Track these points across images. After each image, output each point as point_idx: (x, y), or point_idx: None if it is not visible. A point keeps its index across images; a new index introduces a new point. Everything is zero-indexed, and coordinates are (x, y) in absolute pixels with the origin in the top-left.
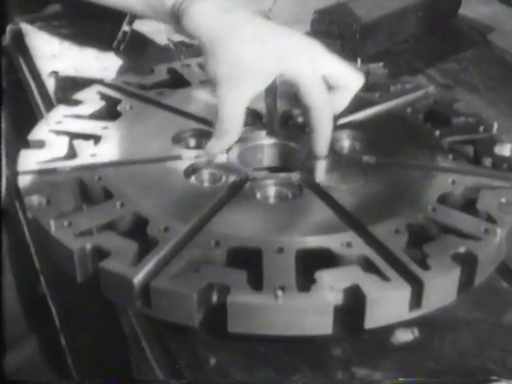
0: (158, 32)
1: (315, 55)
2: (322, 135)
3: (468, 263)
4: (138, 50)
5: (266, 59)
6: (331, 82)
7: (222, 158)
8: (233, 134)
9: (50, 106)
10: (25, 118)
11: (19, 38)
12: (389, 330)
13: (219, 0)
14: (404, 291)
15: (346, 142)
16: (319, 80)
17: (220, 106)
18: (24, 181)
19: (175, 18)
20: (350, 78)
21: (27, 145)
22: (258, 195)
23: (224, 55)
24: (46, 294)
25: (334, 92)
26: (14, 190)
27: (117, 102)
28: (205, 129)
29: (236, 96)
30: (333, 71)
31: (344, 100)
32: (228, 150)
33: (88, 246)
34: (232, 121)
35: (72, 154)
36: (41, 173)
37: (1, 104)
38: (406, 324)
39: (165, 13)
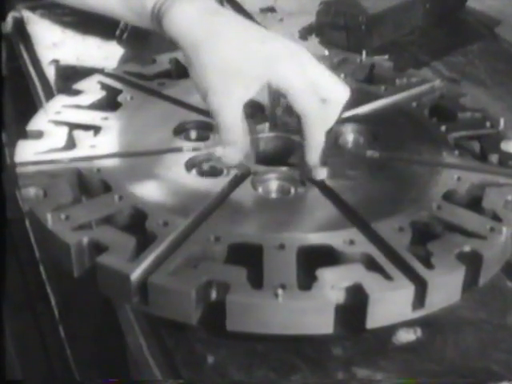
0: None
1: (305, 62)
2: (314, 145)
3: (473, 262)
4: (140, 39)
5: (253, 64)
6: (318, 93)
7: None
8: (242, 139)
9: (50, 95)
10: (25, 107)
11: (21, 25)
12: (391, 329)
13: (202, 1)
14: (407, 291)
15: (349, 136)
16: (310, 87)
17: (217, 117)
18: (21, 172)
19: (156, 22)
20: (336, 90)
21: (25, 135)
22: (260, 190)
23: (209, 62)
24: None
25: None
26: (13, 180)
27: (117, 92)
28: (207, 120)
29: (230, 103)
30: (321, 81)
31: (334, 113)
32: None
33: (85, 240)
34: (235, 128)
35: (71, 144)
36: (38, 164)
37: (2, 93)
38: (409, 324)
39: (146, 16)
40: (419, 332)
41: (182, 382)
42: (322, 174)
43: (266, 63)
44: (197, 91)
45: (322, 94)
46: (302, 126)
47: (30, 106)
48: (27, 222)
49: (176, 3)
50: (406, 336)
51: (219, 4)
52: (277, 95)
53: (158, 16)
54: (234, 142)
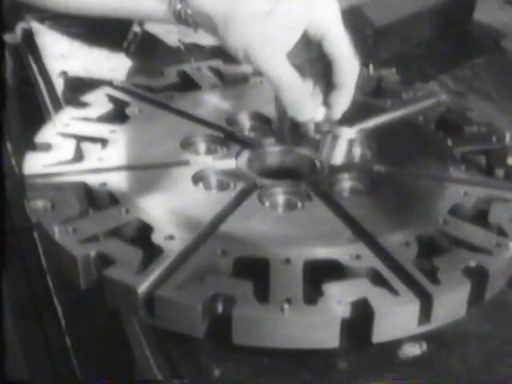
0: (168, 33)
1: (338, 8)
2: (346, 93)
3: (479, 277)
4: (148, 51)
5: (293, 9)
6: None
7: (230, 165)
8: (300, 86)
9: (58, 107)
10: (33, 116)
11: (29, 36)
12: (396, 343)
13: None
14: (413, 306)
15: (356, 151)
16: (344, 33)
17: (267, 70)
18: (29, 184)
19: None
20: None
21: (34, 147)
22: (267, 203)
23: (248, 15)
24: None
25: None
26: (22, 191)
27: (125, 104)
28: (214, 134)
29: (276, 53)
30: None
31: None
32: (237, 156)
33: (92, 253)
34: (291, 78)
35: (79, 157)
36: (46, 176)
37: (4, 105)
38: (414, 338)
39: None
40: (425, 346)
41: (187, 382)
42: (349, 132)
43: (306, 7)
44: (236, 56)
45: None
46: (334, 72)
47: (37, 116)
48: (35, 232)
49: None
50: (411, 350)
51: None
52: (284, 109)
53: None
54: (297, 93)
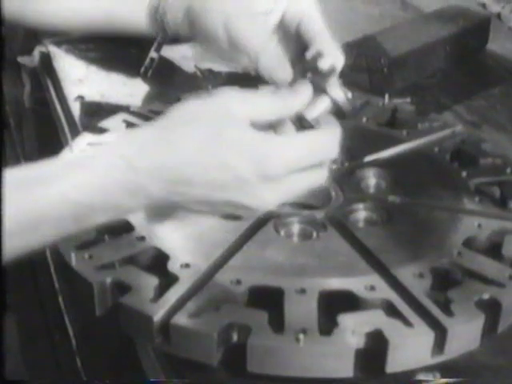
0: (185, 59)
1: None
2: (333, 49)
3: (492, 310)
4: (165, 76)
5: None
6: None
7: None
8: (279, 51)
9: (75, 130)
10: (48, 137)
11: (47, 60)
12: (410, 373)
13: None
14: (427, 337)
15: (371, 181)
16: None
17: (251, 43)
18: None
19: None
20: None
21: None
22: (282, 233)
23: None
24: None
25: None
26: None
27: None
28: None
29: (258, 29)
30: None
31: None
32: None
33: (108, 281)
34: (270, 45)
35: None
36: None
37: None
38: (428, 368)
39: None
40: (438, 377)
41: (188, 382)
42: (338, 90)
43: None
44: (215, 34)
45: None
46: (318, 42)
47: (53, 138)
48: (47, 252)
49: None
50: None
51: None
52: None
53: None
54: (275, 56)
